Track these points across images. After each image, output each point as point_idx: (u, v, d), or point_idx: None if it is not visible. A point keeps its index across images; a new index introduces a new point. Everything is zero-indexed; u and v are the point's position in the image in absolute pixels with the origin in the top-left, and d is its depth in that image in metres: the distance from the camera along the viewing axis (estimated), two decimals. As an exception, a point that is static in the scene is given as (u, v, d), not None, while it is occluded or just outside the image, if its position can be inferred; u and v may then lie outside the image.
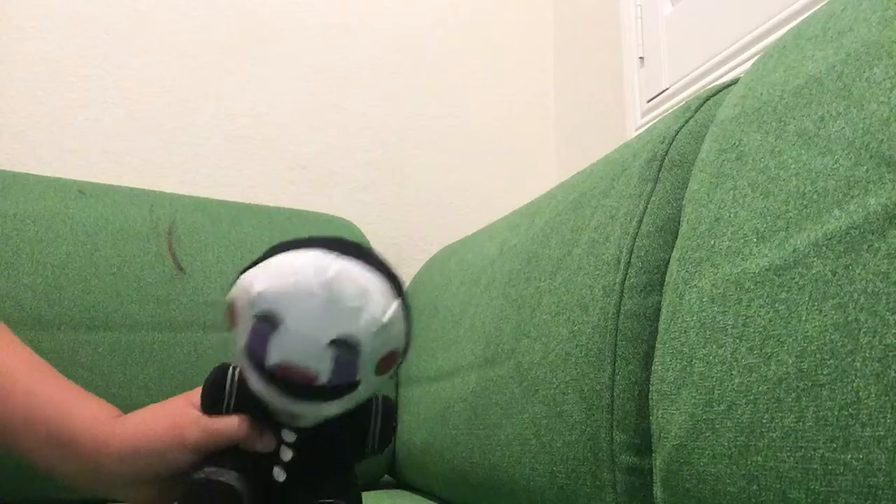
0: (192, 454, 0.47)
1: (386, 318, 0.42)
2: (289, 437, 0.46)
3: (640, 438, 0.50)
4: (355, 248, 0.43)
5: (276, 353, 0.41)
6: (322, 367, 0.41)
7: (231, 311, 0.44)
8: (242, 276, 0.44)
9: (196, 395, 0.49)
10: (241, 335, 0.43)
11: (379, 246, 1.15)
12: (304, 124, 1.25)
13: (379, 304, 0.42)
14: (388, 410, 0.49)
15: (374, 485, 0.97)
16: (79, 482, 0.50)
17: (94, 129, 1.10)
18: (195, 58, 1.18)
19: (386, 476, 0.99)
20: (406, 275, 1.19)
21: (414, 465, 0.87)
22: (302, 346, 0.41)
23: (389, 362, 0.45)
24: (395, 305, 0.43)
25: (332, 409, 0.44)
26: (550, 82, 1.47)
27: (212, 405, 0.48)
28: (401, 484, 0.96)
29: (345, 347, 0.41)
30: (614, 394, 0.52)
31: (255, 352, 0.42)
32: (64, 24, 1.10)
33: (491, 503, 0.69)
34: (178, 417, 0.48)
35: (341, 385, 0.43)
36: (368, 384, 0.44)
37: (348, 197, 1.25)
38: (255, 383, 0.43)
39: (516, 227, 0.77)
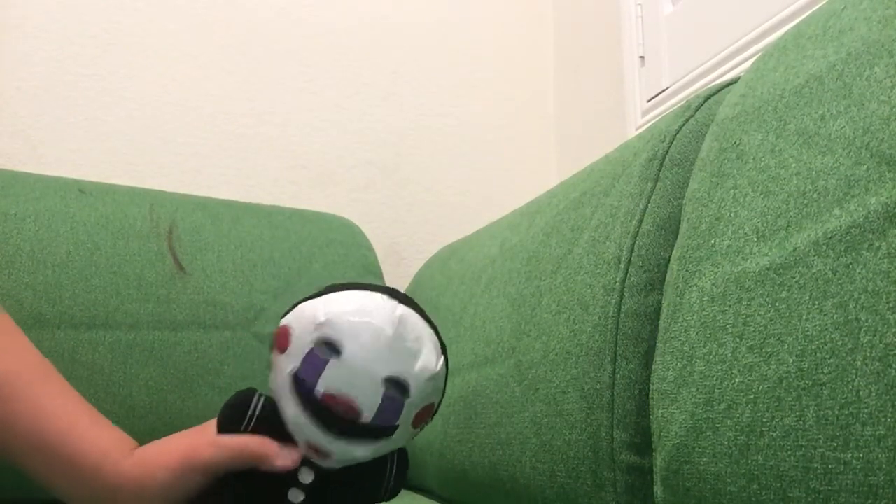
0: (206, 477, 0.46)
1: (437, 368, 0.44)
2: (306, 477, 0.46)
3: (640, 437, 0.50)
4: (412, 301, 0.45)
5: (327, 382, 0.42)
6: (369, 404, 0.42)
7: (282, 336, 0.44)
8: (302, 305, 0.44)
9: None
10: (292, 360, 0.43)
11: (379, 246, 1.15)
12: (304, 124, 1.25)
13: (433, 353, 0.44)
14: (403, 461, 0.49)
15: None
16: None
17: (94, 129, 1.10)
18: (195, 58, 1.18)
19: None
20: (406, 275, 1.20)
21: (414, 464, 0.86)
22: (356, 378, 0.42)
23: (425, 415, 0.46)
24: (443, 360, 0.45)
25: (364, 451, 0.44)
26: (550, 82, 1.47)
27: (230, 424, 0.47)
28: (401, 483, 0.96)
29: (396, 387, 0.42)
30: (615, 393, 0.52)
31: (306, 378, 0.42)
32: (64, 23, 1.10)
33: (491, 502, 0.69)
34: (196, 440, 0.47)
35: (382, 427, 0.43)
36: (403, 432, 0.44)
37: (348, 196, 1.25)
38: (295, 412, 0.43)
39: (517, 226, 0.77)
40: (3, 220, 0.80)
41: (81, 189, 0.88)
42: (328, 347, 0.42)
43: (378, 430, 0.43)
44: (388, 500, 0.49)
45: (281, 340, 0.44)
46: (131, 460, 0.48)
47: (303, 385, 0.42)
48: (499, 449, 0.64)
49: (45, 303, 0.78)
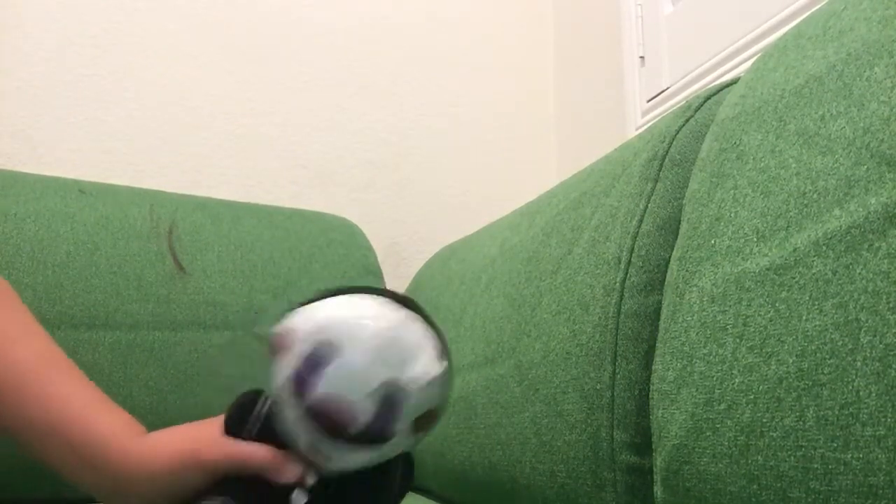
0: (207, 475, 0.46)
1: (436, 373, 0.43)
2: (309, 480, 0.45)
3: (640, 438, 0.50)
4: (414, 304, 0.44)
5: (324, 385, 0.42)
6: (364, 409, 0.42)
7: (282, 340, 0.44)
8: (302, 309, 0.44)
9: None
10: (289, 363, 0.43)
11: (379, 246, 1.15)
12: (304, 124, 1.25)
13: (432, 358, 0.43)
14: (409, 468, 0.49)
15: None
16: (95, 493, 0.49)
17: (94, 129, 1.10)
18: (195, 58, 1.18)
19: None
20: (406, 275, 1.19)
21: (414, 465, 0.87)
22: (352, 383, 0.41)
23: (427, 421, 0.45)
24: (444, 366, 0.44)
25: (362, 457, 0.44)
26: (550, 82, 1.47)
27: (236, 427, 0.47)
28: (401, 483, 0.96)
29: (392, 393, 0.42)
30: (615, 393, 0.52)
31: (303, 380, 0.42)
32: (64, 23, 1.10)
33: (491, 502, 0.69)
34: (201, 436, 0.47)
35: (378, 433, 0.43)
36: (402, 439, 0.44)
37: (348, 196, 1.25)
38: (292, 415, 0.43)
39: (517, 226, 0.77)
40: (4, 221, 0.80)
41: (81, 189, 0.88)
42: (325, 351, 0.42)
43: (374, 436, 0.43)
44: None
45: (280, 344, 0.44)
46: (141, 443, 0.49)
47: (300, 388, 0.42)
48: (499, 449, 0.64)
49: (45, 303, 0.78)
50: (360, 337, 0.42)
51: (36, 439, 0.50)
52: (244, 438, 0.46)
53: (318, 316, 0.43)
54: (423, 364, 0.43)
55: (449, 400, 0.46)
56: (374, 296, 0.44)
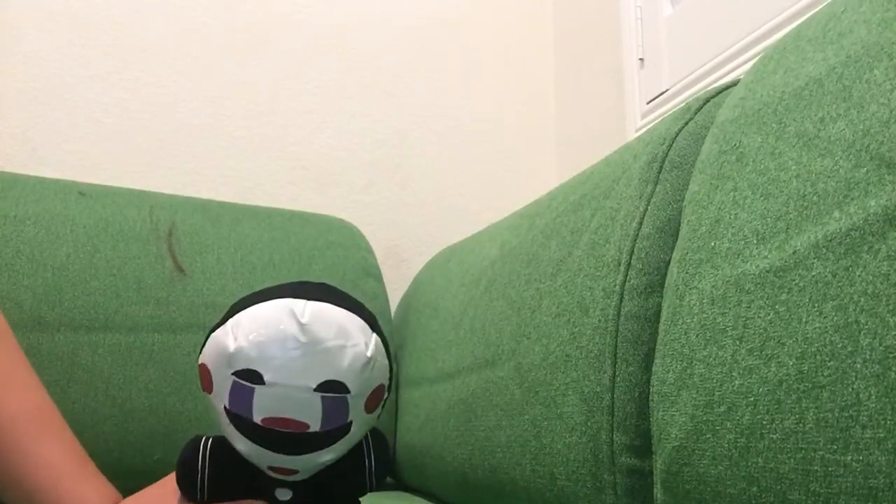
0: None
1: (370, 353, 0.41)
2: (283, 495, 0.45)
3: (640, 440, 0.50)
4: (324, 290, 0.42)
5: (261, 410, 0.40)
6: (312, 415, 0.40)
7: (204, 376, 0.43)
8: (212, 336, 0.43)
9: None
10: (221, 397, 0.42)
11: (379, 248, 1.15)
12: (304, 124, 1.25)
13: (359, 340, 0.41)
14: (381, 445, 0.48)
15: (374, 486, 0.97)
16: None
17: (94, 130, 1.10)
18: (195, 58, 1.18)
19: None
20: (406, 276, 1.20)
21: (414, 467, 0.87)
22: (288, 396, 0.40)
23: (377, 398, 0.44)
24: (374, 339, 0.42)
25: (328, 456, 0.43)
26: (550, 82, 1.47)
27: (186, 486, 0.46)
28: (401, 485, 0.96)
29: (333, 389, 0.40)
30: (615, 395, 0.52)
31: (238, 412, 0.41)
32: (64, 25, 1.10)
33: (491, 505, 0.69)
34: None
35: (334, 429, 0.42)
36: (360, 424, 0.43)
37: (348, 198, 1.25)
38: (244, 445, 0.42)
39: (516, 228, 0.77)
40: (3, 223, 0.80)
41: (81, 191, 0.88)
42: (248, 376, 0.40)
43: (330, 434, 0.42)
44: (376, 483, 0.48)
45: (204, 381, 0.43)
46: None
47: (239, 419, 0.41)
48: (499, 452, 0.64)
49: (44, 305, 0.78)
50: (273, 355, 0.39)
51: (15, 500, 0.51)
52: (197, 493, 0.46)
53: (227, 345, 0.41)
54: (351, 352, 0.41)
55: (392, 369, 0.45)
56: (278, 299, 0.41)
